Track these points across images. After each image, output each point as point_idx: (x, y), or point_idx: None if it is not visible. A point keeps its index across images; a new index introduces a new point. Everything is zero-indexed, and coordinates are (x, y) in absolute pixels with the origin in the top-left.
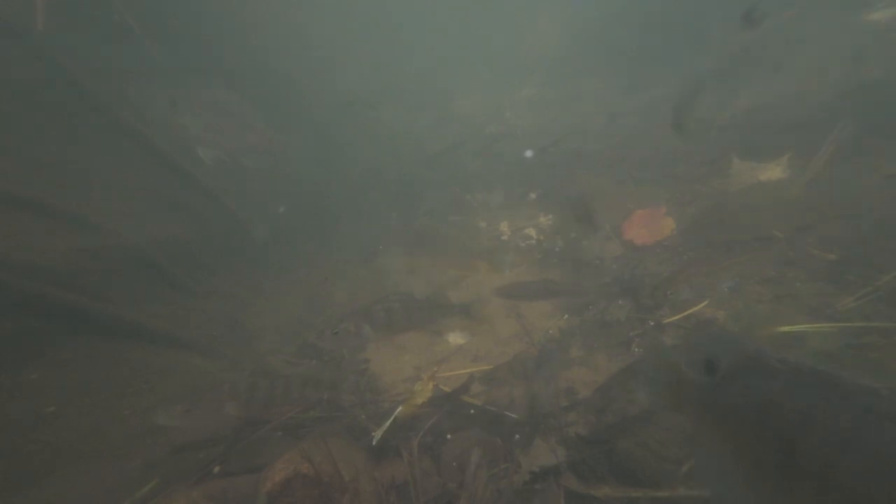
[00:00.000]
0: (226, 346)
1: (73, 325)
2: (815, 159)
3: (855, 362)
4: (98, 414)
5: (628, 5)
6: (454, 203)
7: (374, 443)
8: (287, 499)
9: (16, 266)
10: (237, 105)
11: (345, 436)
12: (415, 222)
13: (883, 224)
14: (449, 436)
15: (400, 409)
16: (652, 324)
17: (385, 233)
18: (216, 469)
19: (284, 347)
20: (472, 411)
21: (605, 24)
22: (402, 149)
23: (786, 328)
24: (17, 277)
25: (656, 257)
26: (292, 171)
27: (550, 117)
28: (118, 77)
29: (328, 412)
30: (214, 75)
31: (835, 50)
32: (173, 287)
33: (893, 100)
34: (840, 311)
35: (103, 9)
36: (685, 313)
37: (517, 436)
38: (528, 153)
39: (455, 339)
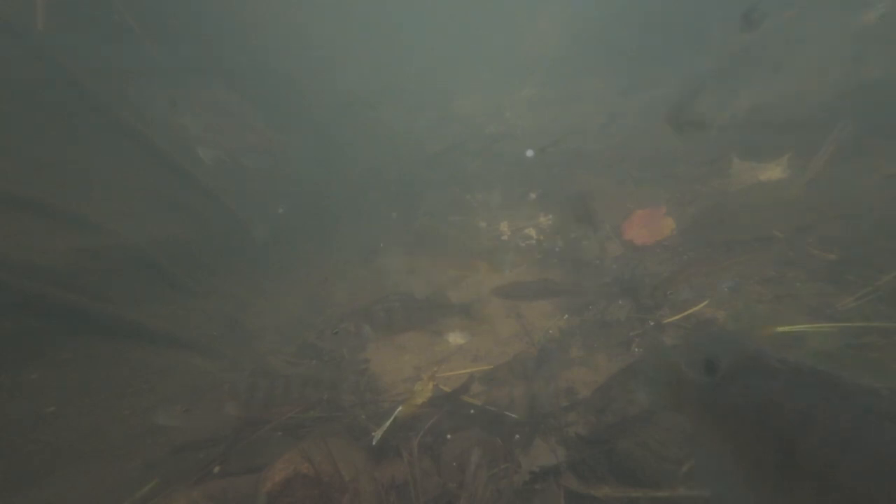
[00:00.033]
0: (226, 346)
1: (73, 325)
2: (815, 159)
3: (855, 362)
4: (98, 414)
5: (628, 5)
6: (454, 203)
7: (374, 443)
8: (287, 499)
9: (16, 266)
10: (237, 105)
11: (345, 436)
12: (415, 222)
13: (883, 224)
14: (449, 436)
15: (400, 409)
16: (652, 324)
17: (385, 233)
18: (216, 469)
19: (284, 347)
20: (472, 411)
21: (605, 24)
22: (402, 149)
23: (786, 328)
24: (17, 277)
25: (656, 257)
26: (292, 171)
27: (550, 117)
28: (118, 77)
29: (328, 412)
30: (214, 75)
31: (835, 50)
32: (173, 287)
33: (893, 100)
34: (840, 311)
35: (103, 9)
36: (685, 313)
37: (517, 436)
38: (529, 153)
39: (455, 339)
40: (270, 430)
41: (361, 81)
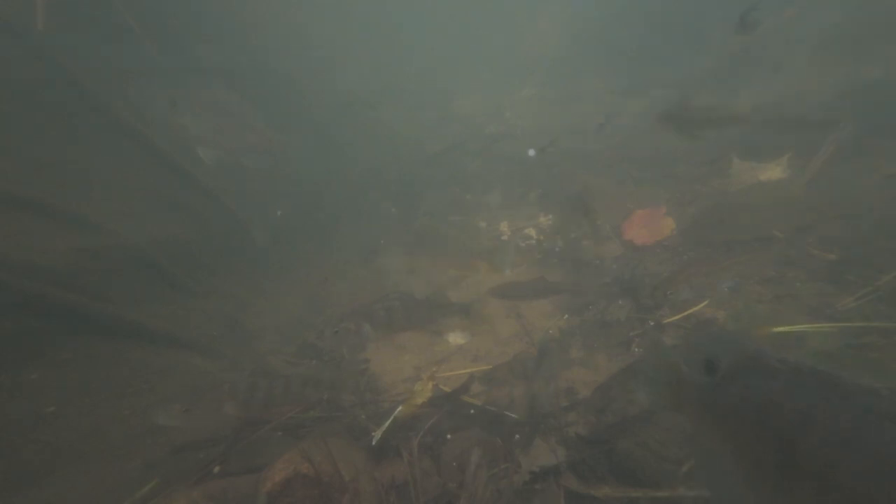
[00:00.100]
0: (226, 346)
1: (73, 325)
2: (815, 159)
3: (855, 362)
4: (98, 414)
5: (628, 5)
6: (454, 203)
7: (374, 443)
8: (287, 499)
9: (16, 266)
10: (237, 105)
11: (345, 436)
12: (415, 222)
13: (883, 224)
14: (449, 436)
15: (400, 409)
16: (652, 324)
17: (385, 233)
18: (216, 469)
19: (284, 347)
20: (472, 411)
21: (605, 24)
22: (402, 149)
23: (786, 328)
24: (17, 277)
25: (656, 257)
26: (292, 171)
27: (550, 117)
28: (118, 77)
29: (328, 412)
30: (214, 75)
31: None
32: (173, 287)
33: (893, 100)
34: (840, 311)
35: (103, 9)
36: (685, 313)
37: (517, 436)
38: (530, 153)
39: (455, 339)
40: (270, 430)
41: (361, 81)
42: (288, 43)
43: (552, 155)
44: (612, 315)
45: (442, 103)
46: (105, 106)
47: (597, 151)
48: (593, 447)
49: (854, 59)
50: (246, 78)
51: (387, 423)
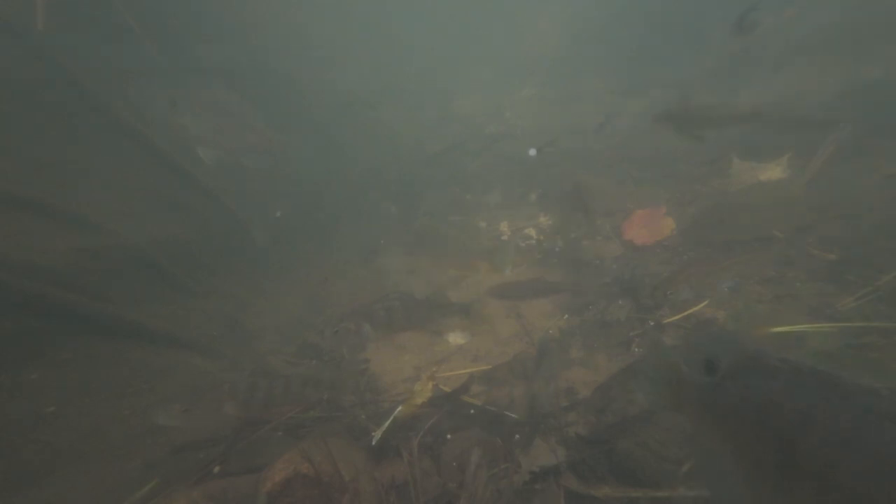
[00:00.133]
0: (226, 346)
1: (73, 325)
2: (815, 159)
3: (855, 362)
4: (98, 414)
5: (628, 5)
6: (454, 203)
7: (374, 443)
8: (287, 499)
9: (16, 266)
10: (237, 105)
11: (345, 436)
12: (415, 222)
13: (883, 224)
14: (449, 436)
15: (400, 409)
16: (652, 324)
17: (385, 233)
18: (216, 469)
19: (284, 347)
20: (472, 411)
21: (605, 24)
22: (402, 149)
23: (786, 328)
24: (17, 277)
25: (656, 257)
26: (292, 171)
27: (550, 117)
28: (118, 77)
29: (328, 412)
30: (214, 75)
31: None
32: (173, 287)
33: (893, 100)
34: (840, 311)
35: (103, 9)
36: (685, 313)
37: (517, 436)
38: (531, 152)
39: (455, 339)
40: (270, 430)
41: (361, 81)
42: (288, 43)
43: (552, 155)
44: (612, 315)
45: (442, 103)
46: (105, 106)
47: (597, 151)
48: (593, 447)
49: (854, 59)
50: (246, 78)
51: (387, 423)
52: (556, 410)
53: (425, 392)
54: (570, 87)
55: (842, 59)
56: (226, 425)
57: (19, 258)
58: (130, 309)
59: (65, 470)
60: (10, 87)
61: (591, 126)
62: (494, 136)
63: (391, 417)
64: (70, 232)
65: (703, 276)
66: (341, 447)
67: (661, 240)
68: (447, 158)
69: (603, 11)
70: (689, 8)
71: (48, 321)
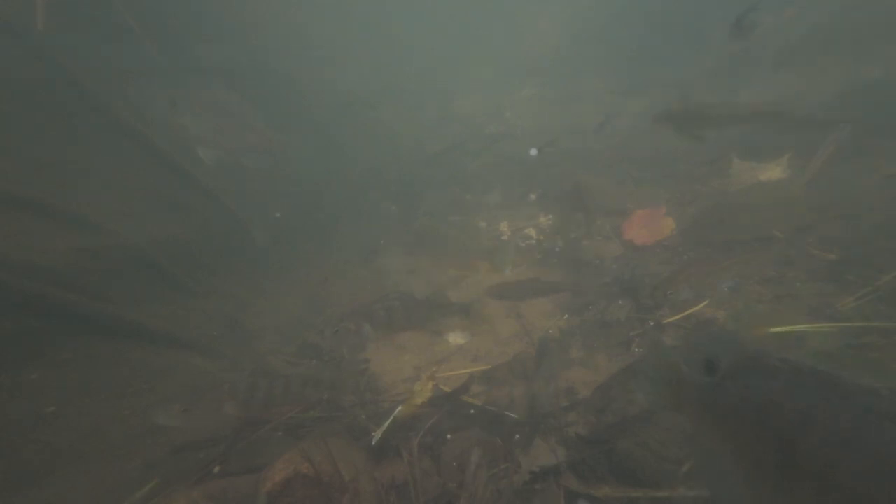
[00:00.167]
0: (226, 346)
1: (73, 325)
2: (815, 159)
3: (855, 362)
4: (98, 414)
5: (628, 5)
6: (454, 203)
7: (373, 443)
8: (287, 499)
9: (16, 266)
10: (237, 105)
11: (345, 436)
12: (415, 222)
13: (883, 224)
14: (449, 436)
15: (400, 409)
16: (652, 324)
17: (385, 233)
18: (216, 469)
19: (284, 347)
20: (472, 411)
21: (605, 24)
22: (402, 149)
23: (786, 328)
24: (17, 277)
25: (656, 257)
26: (292, 171)
27: (550, 117)
28: (118, 77)
29: (328, 412)
30: (214, 75)
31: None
32: (173, 287)
33: (893, 100)
34: (840, 311)
35: (103, 9)
36: (685, 313)
37: (517, 436)
38: (532, 152)
39: (455, 339)
40: (270, 430)
41: (361, 81)
42: (288, 43)
43: (552, 155)
44: (612, 315)
45: (442, 103)
46: (105, 106)
47: (597, 151)
48: (593, 447)
49: (854, 59)
50: (246, 78)
51: (387, 423)
52: (556, 410)
53: (425, 392)
54: (570, 87)
55: (842, 59)
56: (226, 425)
57: (19, 258)
58: (130, 309)
59: (65, 470)
60: (10, 87)
61: (591, 126)
62: (494, 136)
63: (391, 417)
64: (70, 232)
65: (703, 276)
66: (341, 447)
67: (661, 240)
68: (447, 158)
69: (603, 11)
70: (689, 8)
71: (48, 321)
